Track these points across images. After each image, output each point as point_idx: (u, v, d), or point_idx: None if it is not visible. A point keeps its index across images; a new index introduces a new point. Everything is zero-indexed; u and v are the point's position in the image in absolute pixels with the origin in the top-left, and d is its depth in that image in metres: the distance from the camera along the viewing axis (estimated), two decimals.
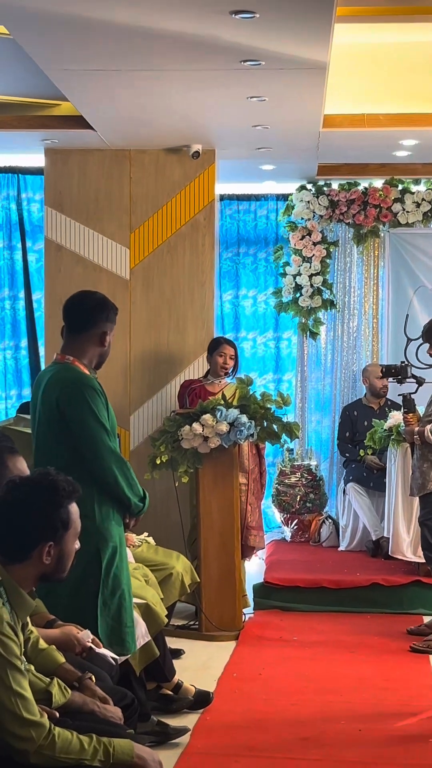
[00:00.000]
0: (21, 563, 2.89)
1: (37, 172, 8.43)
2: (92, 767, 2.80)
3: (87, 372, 4.17)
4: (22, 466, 3.46)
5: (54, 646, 3.36)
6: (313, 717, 4.89)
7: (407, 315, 8.31)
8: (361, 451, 7.83)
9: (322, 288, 8.58)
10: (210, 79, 5.72)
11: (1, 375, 9.00)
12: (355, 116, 6.84)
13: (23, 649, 2.92)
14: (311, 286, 8.55)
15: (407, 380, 6.54)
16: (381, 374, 7.41)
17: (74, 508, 3.00)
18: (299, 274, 8.57)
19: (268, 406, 6.45)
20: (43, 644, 3.32)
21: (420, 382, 6.54)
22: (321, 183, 8.53)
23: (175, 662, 5.17)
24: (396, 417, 7.20)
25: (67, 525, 2.96)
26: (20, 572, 2.90)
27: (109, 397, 4.28)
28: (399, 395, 6.70)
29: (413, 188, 8.46)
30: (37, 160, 7.88)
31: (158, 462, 6.39)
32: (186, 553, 6.13)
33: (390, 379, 6.85)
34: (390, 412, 7.54)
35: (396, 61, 6.59)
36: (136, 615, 4.51)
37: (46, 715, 2.84)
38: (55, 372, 4.18)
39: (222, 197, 8.90)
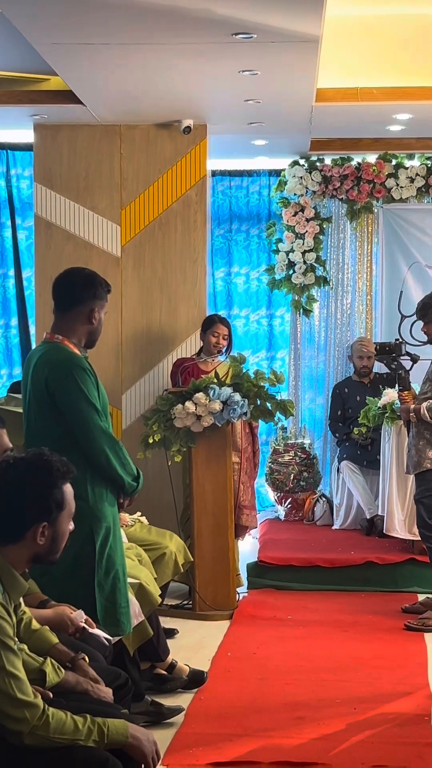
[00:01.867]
0: (14, 544, 2.90)
1: (26, 148, 8.40)
2: (86, 747, 2.81)
3: (77, 351, 4.15)
4: (4, 440, 3.47)
5: (47, 627, 3.37)
6: (307, 696, 4.92)
7: (401, 292, 8.30)
8: (355, 429, 7.84)
9: (315, 265, 8.56)
10: (201, 52, 5.69)
11: None
12: (349, 90, 6.82)
13: (16, 630, 2.93)
14: (304, 262, 8.53)
15: (401, 358, 6.54)
16: (375, 352, 7.41)
17: (68, 489, 3.00)
18: (292, 250, 8.55)
19: (262, 384, 6.46)
20: (36, 624, 3.33)
21: (414, 359, 6.54)
22: (314, 158, 8.50)
23: (169, 642, 5.19)
24: (390, 394, 7.21)
25: (62, 505, 2.96)
26: (13, 553, 2.90)
27: (100, 377, 4.28)
28: (393, 372, 6.71)
29: (407, 163, 8.43)
30: (26, 135, 7.84)
31: (151, 441, 6.39)
32: (179, 533, 6.15)
33: (383, 358, 6.86)
34: (383, 389, 7.54)
35: (390, 34, 6.56)
36: (130, 595, 4.52)
37: (39, 696, 2.85)
38: (45, 352, 4.17)
39: (214, 173, 8.87)
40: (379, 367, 8.38)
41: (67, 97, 6.85)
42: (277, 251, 8.64)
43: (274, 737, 4.41)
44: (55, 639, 3.34)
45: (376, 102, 6.85)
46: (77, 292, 4.20)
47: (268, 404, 6.47)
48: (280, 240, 8.64)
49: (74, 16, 5.09)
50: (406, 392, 6.30)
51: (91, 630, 3.66)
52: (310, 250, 8.53)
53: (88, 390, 4.08)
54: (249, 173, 9.18)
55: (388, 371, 8.24)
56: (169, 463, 6.54)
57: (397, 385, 6.49)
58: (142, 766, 2.94)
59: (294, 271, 8.55)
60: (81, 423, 4.07)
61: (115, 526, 4.18)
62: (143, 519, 5.96)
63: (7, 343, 9.04)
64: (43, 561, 2.98)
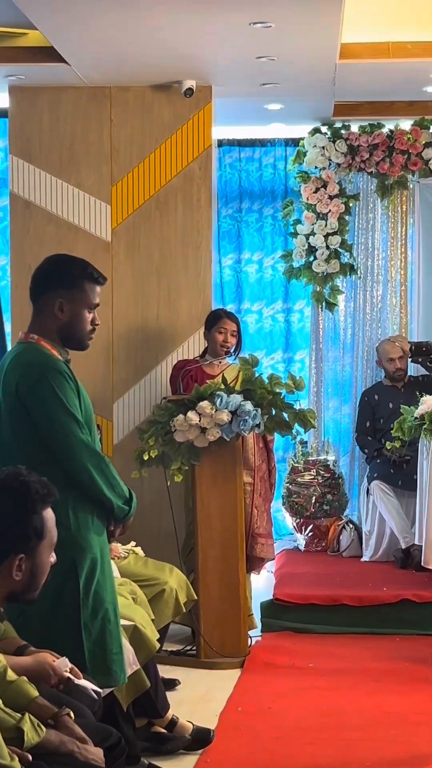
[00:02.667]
0: None
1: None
2: None
3: (54, 353, 4.14)
4: None
5: (25, 677, 3.37)
6: (332, 759, 4.91)
7: None
8: (388, 443, 7.84)
9: (340, 250, 8.57)
10: (206, 2, 5.70)
11: None
12: (379, 45, 6.84)
13: None
14: (327, 247, 8.54)
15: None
16: (410, 353, 7.42)
17: (49, 515, 3.01)
18: (313, 233, 8.55)
19: (277, 390, 6.46)
20: (12, 675, 3.33)
21: None
22: (338, 125, 8.52)
23: (169, 694, 5.20)
24: (429, 402, 7.20)
25: (41, 534, 2.97)
26: None
27: (88, 382, 4.29)
28: (425, 376, 6.71)
29: None
30: (0, 100, 7.86)
31: (147, 458, 6.40)
32: (181, 566, 6.15)
33: (419, 358, 6.86)
34: (421, 396, 7.54)
35: None
36: (123, 639, 4.52)
37: (16, 758, 2.85)
38: (16, 354, 4.17)
39: (221, 143, 8.89)
40: (414, 369, 8.36)
41: (48, 54, 6.87)
42: (295, 234, 8.65)
43: None
44: (34, 692, 3.34)
45: (410, 59, 6.86)
46: (42, 280, 4.20)
47: (285, 414, 6.48)
48: (298, 221, 8.65)
49: None
50: None
51: (77, 681, 3.65)
52: (334, 233, 8.54)
53: (66, 397, 4.06)
54: (262, 143, 9.20)
55: (425, 375, 8.24)
56: (169, 484, 6.54)
57: None
58: None
59: (315, 258, 8.56)
60: (58, 435, 4.05)
61: (103, 558, 4.17)
62: (138, 550, 5.96)
63: None
64: (21, 599, 2.99)
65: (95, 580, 4.10)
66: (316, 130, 8.55)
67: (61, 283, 4.16)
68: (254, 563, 6.88)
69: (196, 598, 5.97)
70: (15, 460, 3.69)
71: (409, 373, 8.37)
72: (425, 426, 7.19)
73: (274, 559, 7.52)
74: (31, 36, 6.87)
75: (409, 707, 5.59)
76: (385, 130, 8.48)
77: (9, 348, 8.09)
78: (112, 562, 5.38)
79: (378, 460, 8.20)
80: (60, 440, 4.05)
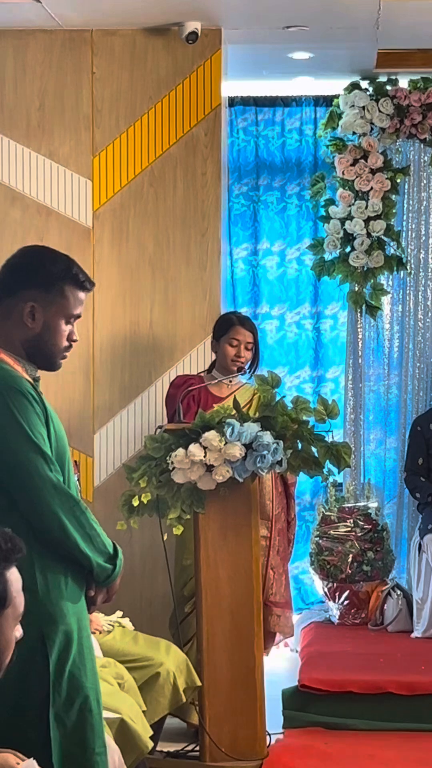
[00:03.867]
0: None
1: None
2: None
3: (17, 368, 4.13)
4: None
5: None
6: None
7: None
8: None
9: (385, 239, 8.60)
10: None
11: None
12: None
13: None
14: (368, 235, 8.57)
15: None
16: None
17: (14, 576, 3.01)
18: (350, 217, 8.58)
19: (304, 418, 6.47)
20: None
21: None
22: (382, 79, 8.55)
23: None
24: None
25: (4, 601, 2.97)
26: None
27: (62, 407, 4.31)
28: None
29: None
30: None
31: (137, 504, 6.41)
32: (173, 638, 6.15)
33: None
34: None
35: None
36: (107, 737, 4.53)
37: None
38: None
39: (232, 101, 8.92)
40: None
41: None
42: (328, 218, 8.68)
43: None
44: None
45: None
46: (12, 276, 4.18)
47: (314, 449, 6.49)
48: (331, 201, 8.67)
49: None
50: None
51: None
52: (377, 217, 8.56)
53: (29, 425, 4.04)
54: (285, 101, 9.23)
55: None
56: (166, 538, 6.54)
57: None
58: None
59: (353, 249, 8.58)
60: (19, 474, 4.02)
61: (80, 632, 4.16)
62: (126, 622, 5.97)
63: None
64: None
65: (70, 658, 4.09)
66: (355, 86, 8.59)
67: (36, 283, 4.13)
68: (268, 641, 6.89)
69: (199, 683, 5.98)
70: None
71: None
72: None
73: (293, 635, 7.52)
74: None
75: None
76: None
77: None
78: (92, 637, 5.40)
79: None
80: (22, 480, 4.00)
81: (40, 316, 4.11)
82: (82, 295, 4.18)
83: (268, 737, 6.53)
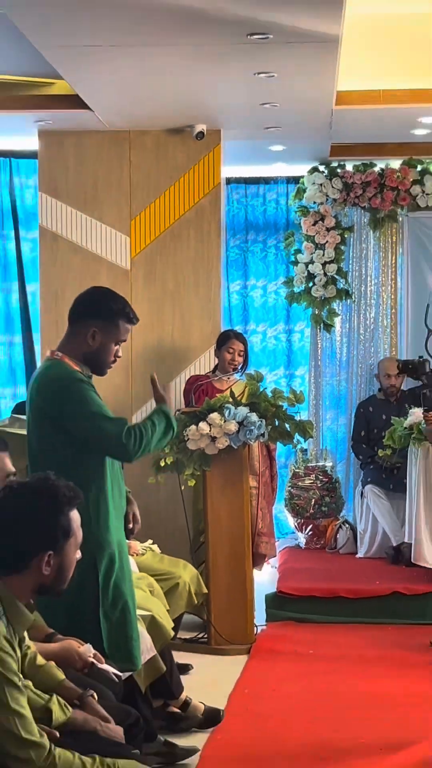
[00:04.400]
0: (19, 574, 2.90)
1: (30, 155, 8.45)
2: None
3: (76, 368, 4.13)
4: (6, 464, 3.46)
5: (53, 662, 3.37)
6: (330, 736, 4.89)
7: (428, 305, 8.32)
8: (380, 451, 7.83)
9: (337, 277, 8.58)
10: (215, 54, 5.72)
11: None
12: (371, 92, 6.84)
13: (21, 665, 2.93)
14: (325, 274, 8.55)
15: (426, 376, 6.54)
16: (397, 369, 7.41)
17: (75, 515, 3.00)
18: (312, 262, 8.56)
19: (280, 403, 6.46)
20: (41, 660, 3.33)
21: None
22: (334, 164, 8.53)
23: (182, 678, 5.18)
24: (417, 414, 7.20)
25: (68, 533, 2.96)
26: (17, 583, 2.90)
27: (110, 395, 4.30)
28: (418, 391, 6.70)
29: None
30: (31, 143, 7.89)
31: (162, 464, 6.40)
32: (191, 561, 6.15)
33: (406, 375, 6.86)
34: (410, 408, 7.54)
35: (414, 33, 6.58)
36: (141, 628, 4.52)
37: (45, 735, 2.85)
38: (43, 370, 4.16)
39: (228, 180, 8.92)
40: (405, 385, 8.36)
41: (73, 102, 6.89)
42: (296, 263, 8.66)
43: None
44: (61, 675, 3.33)
45: (399, 105, 6.86)
46: (80, 309, 4.19)
47: (287, 425, 6.48)
48: (299, 251, 8.66)
49: (80, 16, 5.12)
50: (431, 413, 6.31)
51: (99, 666, 3.65)
52: (331, 261, 8.55)
53: (91, 398, 4.05)
54: (266, 180, 9.21)
55: (417, 388, 8.23)
56: (182, 488, 6.54)
57: (422, 405, 6.49)
58: None
59: (314, 284, 8.57)
60: (87, 426, 4.04)
61: (121, 554, 4.16)
62: (155, 547, 5.96)
63: (10, 361, 9.06)
64: (49, 592, 2.98)
65: (114, 573, 4.09)
66: (315, 169, 8.57)
67: (99, 315, 4.14)
68: (257, 559, 6.88)
69: (206, 591, 5.97)
70: (45, 465, 3.69)
71: (402, 388, 8.36)
72: (414, 435, 7.20)
73: (276, 556, 7.52)
74: (58, 85, 6.89)
75: (401, 690, 5.58)
76: (376, 169, 8.48)
77: (38, 364, 8.12)
78: (130, 558, 5.39)
79: (371, 466, 8.19)
80: (91, 426, 4.02)
81: (99, 338, 4.13)
82: (129, 327, 4.21)
83: (255, 628, 6.53)
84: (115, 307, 4.17)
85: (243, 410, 6.30)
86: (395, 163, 8.48)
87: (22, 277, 8.92)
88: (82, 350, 4.14)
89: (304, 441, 7.09)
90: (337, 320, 8.72)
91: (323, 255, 8.55)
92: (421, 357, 7.01)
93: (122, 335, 4.18)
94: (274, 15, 5.07)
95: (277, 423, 6.45)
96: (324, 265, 8.55)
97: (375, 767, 4.54)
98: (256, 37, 5.39)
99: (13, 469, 3.51)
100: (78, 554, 3.04)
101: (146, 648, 4.50)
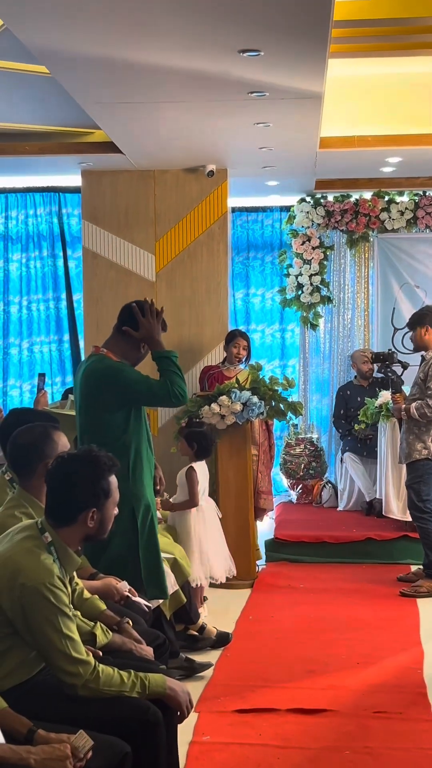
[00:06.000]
0: (69, 526, 2.91)
1: (75, 190, 8.44)
2: (131, 698, 2.82)
3: (118, 361, 4.14)
4: (64, 440, 3.47)
5: (96, 596, 3.39)
6: (317, 652, 4.91)
7: (393, 308, 8.33)
8: (356, 425, 7.82)
9: (321, 286, 8.55)
10: (222, 108, 5.70)
11: (48, 365, 9.03)
12: (347, 138, 6.81)
13: (71, 598, 2.95)
14: (311, 284, 8.53)
15: (394, 365, 6.53)
16: (371, 360, 7.41)
17: (114, 480, 3.01)
18: (300, 274, 8.54)
19: (276, 388, 6.46)
20: (87, 594, 3.35)
21: (405, 366, 6.54)
22: (318, 196, 8.49)
23: (199, 608, 5.20)
24: (385, 396, 7.19)
25: (108, 494, 2.97)
26: (68, 534, 2.91)
27: None
28: (388, 377, 6.69)
29: (398, 199, 8.41)
30: (75, 180, 7.88)
31: None
32: None
33: (378, 364, 6.85)
34: (380, 391, 7.53)
35: (382, 90, 6.56)
36: (166, 567, 4.53)
37: (91, 654, 2.87)
38: (90, 363, 4.16)
39: (234, 209, 8.88)
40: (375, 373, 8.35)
41: (109, 147, 6.88)
42: (288, 275, 8.64)
43: (290, 687, 4.41)
44: (103, 606, 3.35)
45: (371, 148, 6.83)
46: (127, 318, 4.18)
47: (281, 405, 6.48)
48: (290, 265, 8.63)
49: (115, 79, 5.11)
50: (398, 394, 6.30)
51: (134, 598, 3.67)
52: (316, 274, 8.53)
53: (138, 374, 4.08)
54: (263, 209, 9.18)
55: (384, 375, 8.21)
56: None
57: (390, 388, 6.48)
58: (178, 713, 2.95)
59: (302, 292, 8.55)
60: (141, 390, 4.06)
61: (153, 506, 4.17)
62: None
63: (60, 355, 9.08)
64: (93, 540, 2.99)
65: (149, 520, 4.10)
66: (303, 200, 8.53)
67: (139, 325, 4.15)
68: (258, 513, 6.88)
69: None
70: (93, 438, 3.76)
71: (373, 375, 8.34)
72: (383, 413, 7.20)
73: (273, 509, 7.52)
74: (97, 134, 6.88)
75: (371, 615, 5.59)
76: (352, 199, 8.44)
77: (82, 358, 8.13)
78: (158, 511, 5.40)
79: (349, 438, 8.19)
80: (144, 388, 4.06)
81: (144, 350, 4.15)
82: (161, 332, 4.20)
83: (257, 567, 6.55)
84: (152, 317, 4.18)
85: (246, 394, 6.30)
86: (367, 195, 8.43)
87: (69, 288, 8.94)
88: (128, 355, 4.15)
89: (295, 418, 7.10)
90: (321, 321, 8.69)
91: (310, 269, 8.52)
92: (389, 350, 6.99)
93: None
94: (270, 77, 5.05)
95: (273, 403, 6.45)
96: (310, 276, 8.52)
97: (351, 677, 4.56)
98: (255, 94, 5.37)
99: (68, 445, 3.51)
100: (115, 510, 3.04)
101: (170, 584, 4.51)
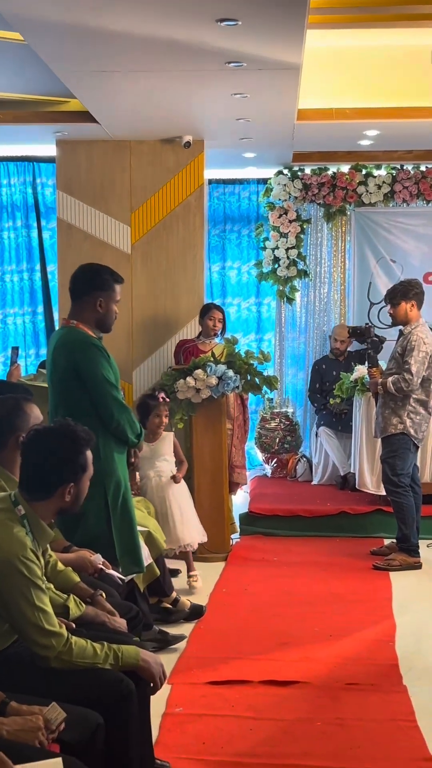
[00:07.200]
0: (44, 501, 2.90)
1: (49, 160, 8.34)
2: (104, 669, 2.84)
3: (91, 333, 4.13)
4: (36, 412, 3.46)
5: (70, 568, 3.39)
6: (291, 625, 4.95)
7: (370, 282, 8.33)
8: (331, 400, 7.86)
9: (297, 260, 8.54)
10: (199, 78, 5.66)
11: (21, 336, 8.98)
12: (325, 110, 6.78)
13: (44, 571, 2.95)
14: (287, 258, 8.51)
15: (370, 339, 6.55)
16: (348, 334, 7.43)
17: (89, 454, 3.01)
18: (277, 247, 8.53)
19: (251, 362, 6.47)
20: (61, 566, 3.35)
21: (381, 340, 6.56)
22: (296, 168, 8.45)
23: (173, 580, 5.23)
24: (361, 370, 7.22)
25: (85, 468, 2.97)
26: (42, 507, 2.91)
27: (113, 355, 4.27)
28: (364, 351, 6.72)
29: (375, 173, 8.39)
30: (50, 150, 7.78)
31: None
32: None
33: (355, 338, 6.86)
34: (355, 365, 7.55)
35: (361, 62, 6.53)
36: (141, 540, 4.55)
37: (64, 626, 2.87)
38: (62, 335, 4.17)
39: (210, 181, 8.83)
40: (353, 347, 8.36)
41: (85, 116, 6.81)
42: (265, 248, 8.62)
43: (263, 660, 4.45)
44: (77, 578, 3.36)
45: (348, 120, 6.80)
46: (84, 284, 4.18)
47: (257, 379, 6.49)
48: (267, 239, 8.61)
49: (90, 47, 5.05)
50: (374, 369, 6.33)
51: (107, 571, 3.68)
52: (293, 247, 8.51)
53: (101, 365, 4.06)
54: (240, 181, 9.13)
55: (360, 349, 8.24)
56: (173, 430, 6.55)
57: (366, 363, 6.50)
58: (151, 685, 2.97)
59: (279, 266, 8.53)
60: (98, 396, 4.06)
61: (125, 481, 4.17)
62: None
63: (34, 327, 9.02)
64: (66, 513, 3.00)
65: (121, 494, 4.10)
66: (280, 172, 8.49)
67: (102, 286, 4.15)
68: (233, 486, 6.90)
69: None
70: (64, 411, 3.75)
71: (348, 350, 8.36)
72: (358, 387, 7.23)
73: (247, 483, 7.55)
74: (72, 103, 6.81)
75: (346, 589, 5.64)
76: (329, 173, 8.41)
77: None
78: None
79: (324, 412, 8.22)
80: (98, 397, 4.05)
81: (104, 305, 4.13)
82: (119, 288, 4.20)
83: (231, 540, 6.58)
84: (109, 277, 4.18)
85: (221, 367, 6.30)
86: (345, 168, 8.41)
87: (43, 260, 8.86)
88: (93, 317, 4.14)
89: (270, 392, 7.12)
90: (297, 295, 8.69)
91: (286, 242, 8.51)
92: (367, 323, 7.01)
93: (118, 296, 4.21)
94: (248, 47, 5.02)
95: (249, 377, 6.47)
96: (287, 250, 8.51)
97: (324, 649, 4.60)
98: (233, 65, 5.33)
99: (41, 417, 3.50)
100: (88, 484, 3.04)
101: (144, 556, 4.53)
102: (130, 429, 4.13)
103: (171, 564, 5.69)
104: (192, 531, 5.55)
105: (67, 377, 4.08)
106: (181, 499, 5.59)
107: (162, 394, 5.78)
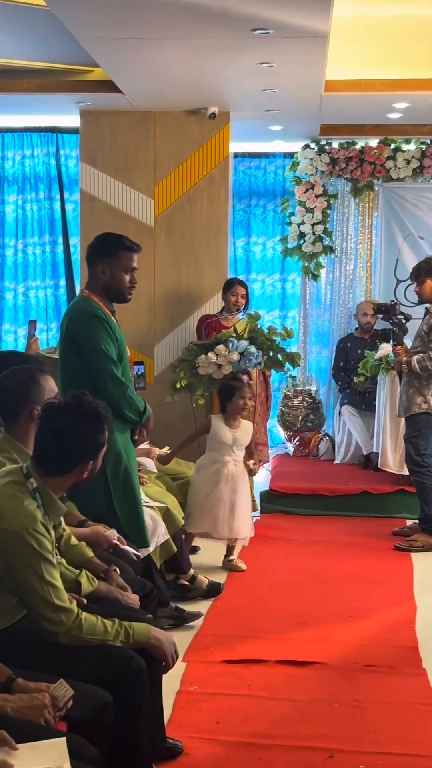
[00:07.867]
0: (60, 476, 2.83)
1: (73, 131, 8.26)
2: (114, 647, 2.78)
3: (100, 303, 4.05)
4: (51, 384, 3.39)
5: (84, 543, 3.34)
6: (309, 605, 4.90)
7: (397, 259, 8.21)
8: (355, 378, 7.76)
9: (323, 235, 8.43)
10: (224, 46, 5.55)
11: (43, 310, 8.94)
12: (354, 81, 6.66)
13: (56, 545, 2.90)
14: (313, 233, 8.40)
15: (396, 316, 6.44)
16: (373, 311, 7.31)
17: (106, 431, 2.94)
18: (303, 223, 8.41)
19: (274, 338, 6.39)
20: (74, 541, 3.30)
21: (407, 318, 6.45)
22: (323, 142, 8.33)
23: (191, 557, 5.19)
24: (386, 348, 7.12)
25: (104, 445, 2.91)
26: (57, 482, 2.84)
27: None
28: (389, 330, 6.62)
29: (404, 147, 8.25)
30: (73, 120, 7.72)
31: (178, 386, 6.36)
32: None
33: (380, 315, 6.76)
34: (380, 344, 7.45)
35: (390, 32, 6.40)
36: (157, 516, 4.50)
37: (75, 602, 2.83)
38: (72, 305, 4.15)
39: (235, 155, 8.72)
40: (378, 325, 8.25)
41: (108, 86, 6.73)
42: (290, 223, 8.51)
43: (280, 639, 4.40)
44: (90, 553, 3.31)
45: (377, 92, 6.68)
46: (89, 252, 4.13)
47: (279, 356, 6.41)
48: (292, 214, 8.50)
49: (114, 13, 4.97)
50: (399, 347, 6.22)
51: (122, 546, 3.63)
52: (319, 223, 8.39)
53: (100, 337, 3.96)
54: (266, 155, 9.01)
55: (386, 328, 8.13)
56: (194, 406, 6.50)
57: (391, 341, 6.40)
58: (163, 663, 2.92)
59: (304, 241, 8.42)
60: (93, 367, 3.98)
61: (128, 455, 4.07)
62: (166, 449, 5.92)
63: (56, 300, 8.98)
64: (78, 488, 2.94)
65: (122, 468, 4.03)
66: (307, 146, 8.37)
67: (102, 252, 4.07)
68: None
69: None
70: (71, 383, 3.71)
71: (374, 328, 8.26)
72: (382, 366, 7.13)
73: (269, 461, 7.49)
74: (96, 72, 6.73)
75: (365, 569, 5.58)
76: (357, 147, 8.28)
77: None
78: (150, 460, 5.36)
79: (347, 390, 8.13)
80: (94, 371, 3.97)
81: (107, 271, 4.05)
82: (133, 255, 4.09)
83: (251, 518, 6.52)
84: (111, 241, 4.09)
85: (244, 343, 6.22)
86: (373, 142, 8.28)
87: (65, 232, 8.81)
88: (100, 285, 4.07)
89: (293, 369, 7.04)
90: (323, 271, 8.58)
91: (312, 217, 8.39)
92: (392, 301, 6.90)
93: (127, 263, 4.06)
94: (274, 13, 4.91)
95: (271, 354, 6.39)
96: (313, 225, 8.39)
97: (343, 630, 4.55)
98: (259, 32, 5.22)
99: (56, 389, 3.43)
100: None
101: (162, 533, 4.49)
102: (128, 405, 4.02)
103: (196, 542, 5.66)
104: (247, 523, 5.52)
105: (73, 347, 4.02)
106: (247, 491, 5.58)
107: (246, 377, 5.68)
